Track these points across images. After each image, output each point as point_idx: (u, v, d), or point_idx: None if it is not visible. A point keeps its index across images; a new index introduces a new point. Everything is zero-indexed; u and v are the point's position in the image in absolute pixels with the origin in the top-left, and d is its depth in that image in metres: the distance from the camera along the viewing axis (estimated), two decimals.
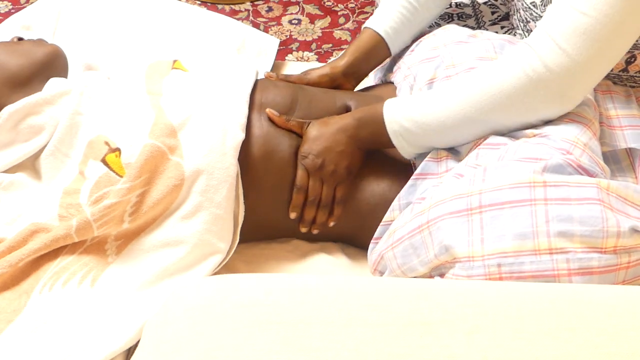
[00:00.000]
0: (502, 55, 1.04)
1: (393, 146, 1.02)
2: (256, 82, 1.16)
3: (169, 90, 1.09)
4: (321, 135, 1.05)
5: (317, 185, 1.07)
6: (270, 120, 1.09)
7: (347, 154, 1.05)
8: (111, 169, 1.02)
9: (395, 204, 1.01)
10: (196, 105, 1.06)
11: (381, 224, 1.02)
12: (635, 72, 1.13)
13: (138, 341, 0.92)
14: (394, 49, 1.21)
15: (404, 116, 1.00)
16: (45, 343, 0.91)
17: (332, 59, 1.91)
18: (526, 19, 1.16)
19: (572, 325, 0.71)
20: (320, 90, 1.18)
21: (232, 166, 1.03)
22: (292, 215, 1.08)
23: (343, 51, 1.24)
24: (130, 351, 0.96)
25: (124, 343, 0.93)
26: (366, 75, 1.24)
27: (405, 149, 1.02)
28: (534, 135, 0.95)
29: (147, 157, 0.99)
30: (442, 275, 0.90)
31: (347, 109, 1.14)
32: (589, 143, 0.93)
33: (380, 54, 1.21)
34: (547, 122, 0.96)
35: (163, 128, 1.02)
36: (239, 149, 1.04)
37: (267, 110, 1.09)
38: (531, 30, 1.12)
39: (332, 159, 1.05)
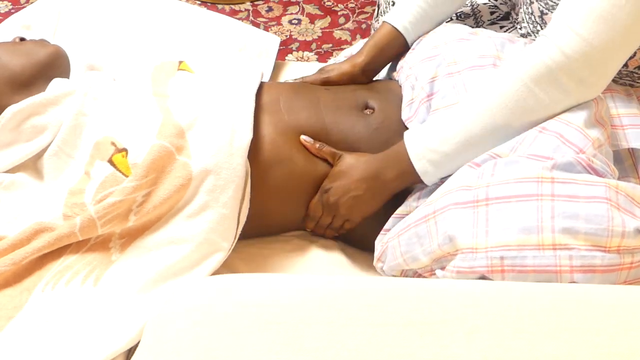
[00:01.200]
0: (513, 52, 1.04)
1: (420, 181, 1.00)
2: (272, 84, 1.17)
3: (175, 91, 1.09)
4: (346, 175, 1.06)
5: (327, 219, 1.10)
6: (271, 122, 1.10)
7: (363, 200, 1.05)
8: (117, 169, 1.02)
9: (412, 198, 1.01)
10: (204, 106, 1.06)
11: (394, 215, 1.02)
12: (635, 68, 1.13)
13: (139, 341, 0.92)
14: (412, 43, 1.22)
15: (429, 148, 0.97)
16: (46, 341, 0.91)
17: (332, 59, 1.90)
18: (542, 11, 1.15)
19: (572, 325, 0.71)
20: (340, 89, 1.19)
21: (239, 166, 1.03)
22: (307, 229, 1.14)
23: (361, 46, 1.25)
24: (131, 351, 0.96)
25: (125, 343, 0.93)
26: (382, 69, 1.25)
27: (429, 174, 0.99)
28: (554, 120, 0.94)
29: (155, 157, 0.99)
30: (443, 268, 0.90)
31: (366, 106, 1.15)
32: (604, 145, 0.93)
33: (397, 49, 1.22)
34: (575, 111, 0.94)
35: (171, 129, 1.02)
36: (248, 149, 1.05)
37: (301, 137, 1.10)
38: (546, 23, 1.11)
39: (347, 202, 1.06)
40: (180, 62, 1.17)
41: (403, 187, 1.03)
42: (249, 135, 1.05)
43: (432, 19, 1.21)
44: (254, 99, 1.10)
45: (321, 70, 1.25)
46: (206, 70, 1.15)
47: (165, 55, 1.20)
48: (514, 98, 0.92)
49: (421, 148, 0.97)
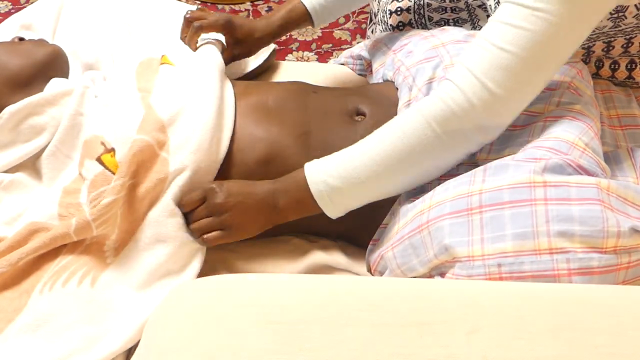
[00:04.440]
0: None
1: (319, 211, 0.97)
2: (263, 82, 1.17)
3: (158, 86, 1.09)
4: (241, 185, 1.01)
5: (203, 213, 1.00)
6: (255, 121, 1.09)
7: (251, 214, 1.00)
8: (107, 168, 1.02)
9: (396, 207, 1.01)
10: (185, 101, 1.06)
11: (381, 226, 1.02)
12: (624, 79, 1.14)
13: (138, 341, 0.92)
14: (318, 24, 1.27)
15: (329, 174, 0.96)
16: (45, 342, 0.91)
17: (332, 59, 1.91)
18: None
19: (572, 325, 0.71)
20: (331, 94, 1.18)
21: (215, 164, 1.03)
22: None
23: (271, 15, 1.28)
24: (130, 351, 0.96)
25: (124, 343, 0.93)
26: (269, 42, 1.29)
27: (331, 209, 0.98)
28: (537, 140, 0.95)
29: (135, 152, 0.99)
30: (442, 274, 0.90)
31: (358, 112, 1.14)
32: (590, 143, 0.93)
33: (297, 27, 1.28)
34: (551, 120, 0.96)
35: (152, 123, 1.02)
36: (227, 147, 1.05)
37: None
38: None
39: (235, 206, 0.99)
40: (162, 56, 1.17)
41: (297, 216, 1.00)
42: (228, 134, 1.05)
43: (342, 7, 1.27)
44: (234, 99, 1.10)
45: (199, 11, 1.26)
46: (187, 64, 1.15)
47: (150, 51, 1.20)
48: (418, 139, 0.93)
49: (323, 185, 0.96)
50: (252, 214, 1.00)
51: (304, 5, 1.25)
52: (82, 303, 0.95)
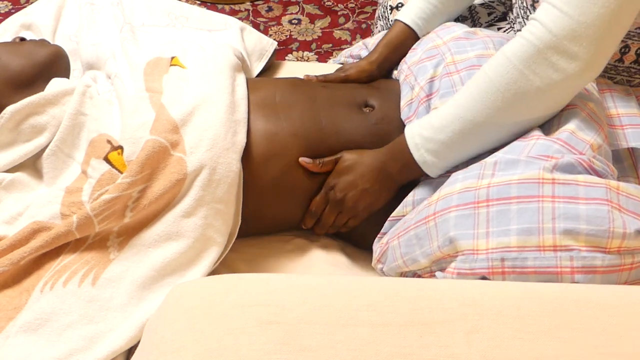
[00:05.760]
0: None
1: (420, 170, 0.99)
2: (269, 79, 1.17)
3: (169, 87, 1.09)
4: (351, 170, 1.06)
5: (332, 215, 1.09)
6: (265, 115, 1.10)
7: (370, 193, 1.06)
8: (114, 166, 1.02)
9: (409, 199, 1.01)
10: (197, 101, 1.06)
11: (389, 218, 1.02)
12: (631, 63, 1.13)
13: (139, 341, 0.92)
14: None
15: (423, 126, 0.98)
16: (45, 341, 0.91)
17: (333, 59, 1.91)
18: (521, 15, 1.16)
19: (572, 325, 0.71)
20: (338, 88, 1.19)
21: (234, 161, 1.03)
22: (304, 227, 1.13)
23: (375, 44, 1.28)
24: (130, 351, 0.96)
25: (124, 343, 0.94)
26: (395, 65, 1.28)
27: (429, 164, 0.98)
28: (552, 133, 0.94)
29: (149, 153, 1.00)
30: (442, 269, 0.90)
31: (366, 104, 1.15)
32: (603, 145, 0.93)
33: (409, 45, 1.24)
34: (568, 110, 0.95)
35: (165, 124, 1.02)
36: (243, 144, 1.05)
37: (300, 159, 1.08)
38: None
39: (353, 196, 1.06)
40: (173, 58, 1.17)
41: (410, 179, 1.03)
42: (243, 130, 1.05)
43: (443, 16, 1.24)
44: (247, 93, 1.11)
45: (340, 69, 1.27)
46: (198, 65, 1.15)
47: (158, 52, 1.20)
48: (504, 81, 0.92)
49: (419, 138, 0.98)
50: (374, 192, 1.06)
51: (404, 22, 1.24)
52: (83, 302, 0.95)
